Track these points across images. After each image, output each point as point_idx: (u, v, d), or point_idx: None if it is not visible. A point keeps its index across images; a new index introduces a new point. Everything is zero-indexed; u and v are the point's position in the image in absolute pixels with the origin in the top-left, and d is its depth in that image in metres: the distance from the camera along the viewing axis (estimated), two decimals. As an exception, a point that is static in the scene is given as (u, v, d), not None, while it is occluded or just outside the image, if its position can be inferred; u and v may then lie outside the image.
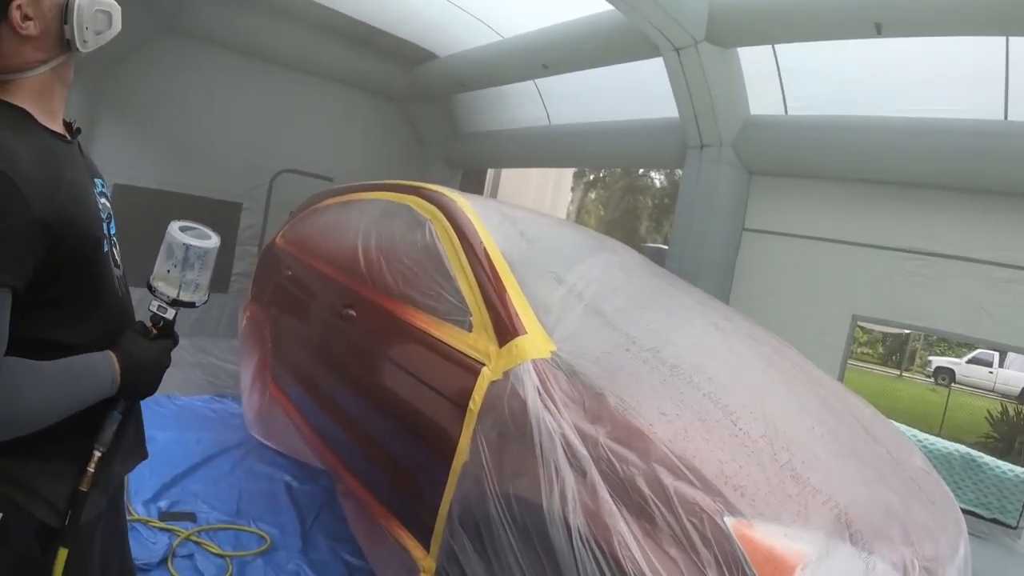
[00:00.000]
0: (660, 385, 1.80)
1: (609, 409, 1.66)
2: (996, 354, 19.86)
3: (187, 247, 1.31)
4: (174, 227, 1.33)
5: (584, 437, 1.63)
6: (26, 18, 1.08)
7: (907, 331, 21.94)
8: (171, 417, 4.12)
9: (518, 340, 1.97)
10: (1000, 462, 4.16)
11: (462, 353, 2.12)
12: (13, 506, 1.09)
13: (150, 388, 1.26)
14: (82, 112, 5.08)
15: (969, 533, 2.12)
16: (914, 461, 2.19)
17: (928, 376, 22.49)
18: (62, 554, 1.16)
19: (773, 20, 3.83)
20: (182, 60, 5.80)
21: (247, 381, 4.19)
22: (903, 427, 3.66)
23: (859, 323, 4.22)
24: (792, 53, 4.23)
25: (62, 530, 1.16)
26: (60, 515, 1.14)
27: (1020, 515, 3.85)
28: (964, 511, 2.54)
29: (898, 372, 24.09)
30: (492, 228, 2.54)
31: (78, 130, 1.26)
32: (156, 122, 5.75)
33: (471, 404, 1.93)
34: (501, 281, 2.21)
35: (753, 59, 4.33)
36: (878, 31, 3.39)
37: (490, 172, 10.01)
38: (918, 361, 25.31)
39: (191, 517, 3.00)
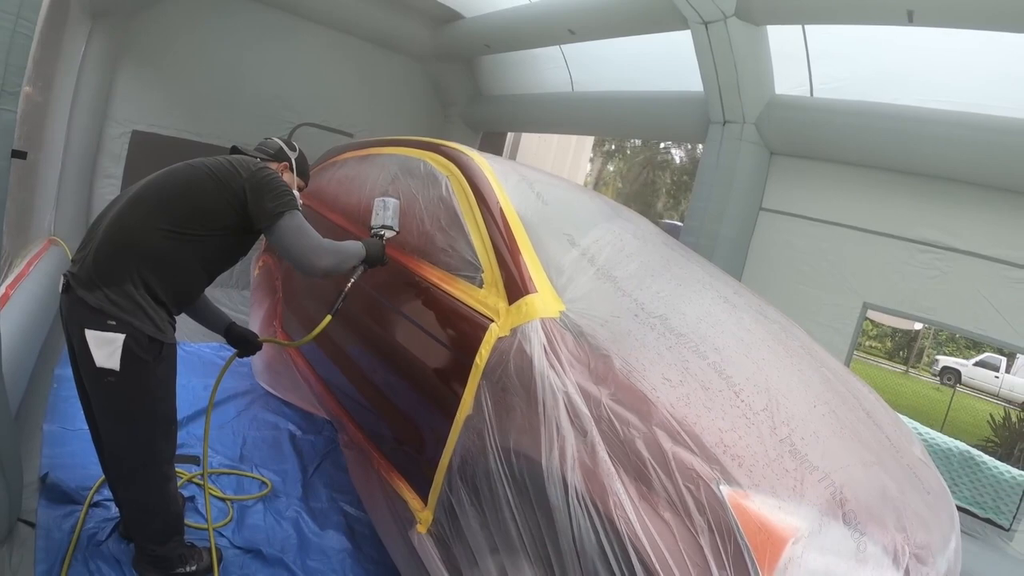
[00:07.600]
0: (666, 352, 1.79)
1: (614, 371, 1.67)
2: (1004, 359, 19.74)
3: (395, 204, 2.56)
4: (378, 198, 2.57)
5: (587, 397, 1.63)
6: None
7: (916, 328, 21.83)
8: (179, 363, 4.12)
9: (528, 298, 1.97)
10: (999, 463, 4.14)
11: (472, 308, 2.13)
12: (131, 327, 1.91)
13: (378, 260, 2.44)
14: (104, 59, 5.10)
15: (962, 530, 2.12)
16: (913, 451, 2.17)
17: (934, 375, 22.35)
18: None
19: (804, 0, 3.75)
20: (206, 10, 5.78)
21: (257, 330, 4.22)
22: (905, 419, 3.65)
23: (869, 313, 4.20)
24: (822, 35, 4.16)
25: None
26: (160, 330, 2.00)
27: (1014, 517, 3.84)
28: (959, 508, 2.53)
29: (904, 368, 23.99)
30: (508, 187, 2.52)
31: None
32: (178, 71, 5.74)
33: (477, 359, 1.94)
34: (515, 239, 2.20)
35: (782, 38, 4.25)
36: (910, 19, 3.31)
37: (510, 136, 9.92)
38: (925, 359, 25.19)
39: (195, 460, 3.03)
